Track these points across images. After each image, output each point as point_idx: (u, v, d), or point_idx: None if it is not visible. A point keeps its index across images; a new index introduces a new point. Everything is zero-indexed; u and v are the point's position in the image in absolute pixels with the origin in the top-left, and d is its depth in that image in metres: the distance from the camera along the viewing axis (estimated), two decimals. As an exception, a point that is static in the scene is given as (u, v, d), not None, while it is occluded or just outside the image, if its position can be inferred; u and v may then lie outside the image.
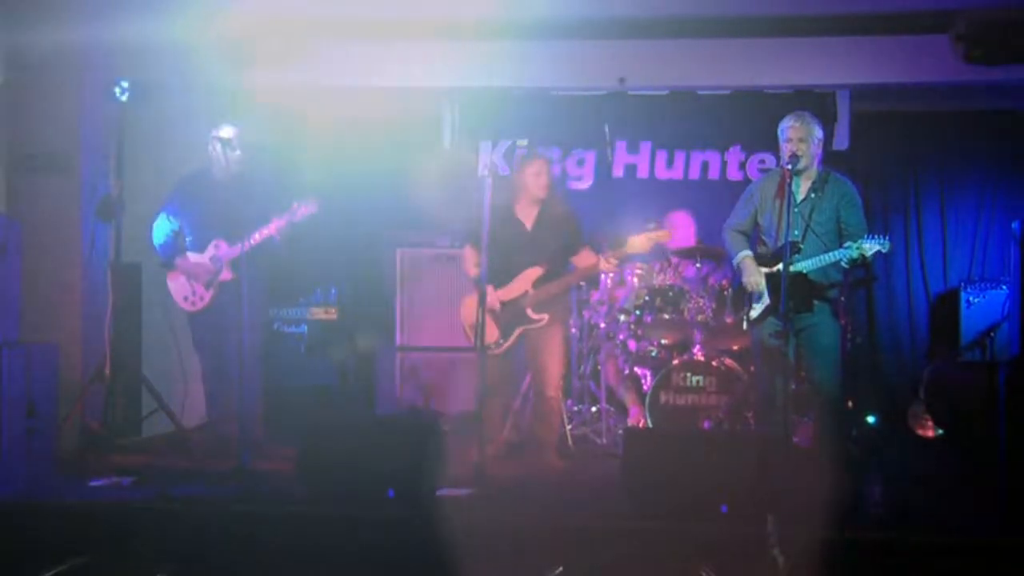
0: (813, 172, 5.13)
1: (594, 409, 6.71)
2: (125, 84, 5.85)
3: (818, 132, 5.13)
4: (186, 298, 5.89)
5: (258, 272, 5.83)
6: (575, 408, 6.71)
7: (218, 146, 5.73)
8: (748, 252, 5.26)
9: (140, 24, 6.99)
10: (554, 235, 5.70)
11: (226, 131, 5.78)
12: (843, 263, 4.93)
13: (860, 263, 4.94)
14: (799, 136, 5.06)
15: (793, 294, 4.77)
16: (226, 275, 5.75)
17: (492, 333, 5.67)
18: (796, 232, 4.92)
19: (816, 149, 5.11)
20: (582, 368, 6.91)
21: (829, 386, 5.13)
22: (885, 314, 7.63)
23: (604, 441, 6.49)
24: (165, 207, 5.95)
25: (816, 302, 5.00)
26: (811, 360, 5.19)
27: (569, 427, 6.44)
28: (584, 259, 5.66)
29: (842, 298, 5.27)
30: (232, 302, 5.64)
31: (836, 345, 5.16)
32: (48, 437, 5.20)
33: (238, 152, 5.71)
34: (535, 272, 5.65)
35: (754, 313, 5.19)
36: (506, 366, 5.84)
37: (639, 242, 5.49)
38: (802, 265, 4.92)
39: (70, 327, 6.31)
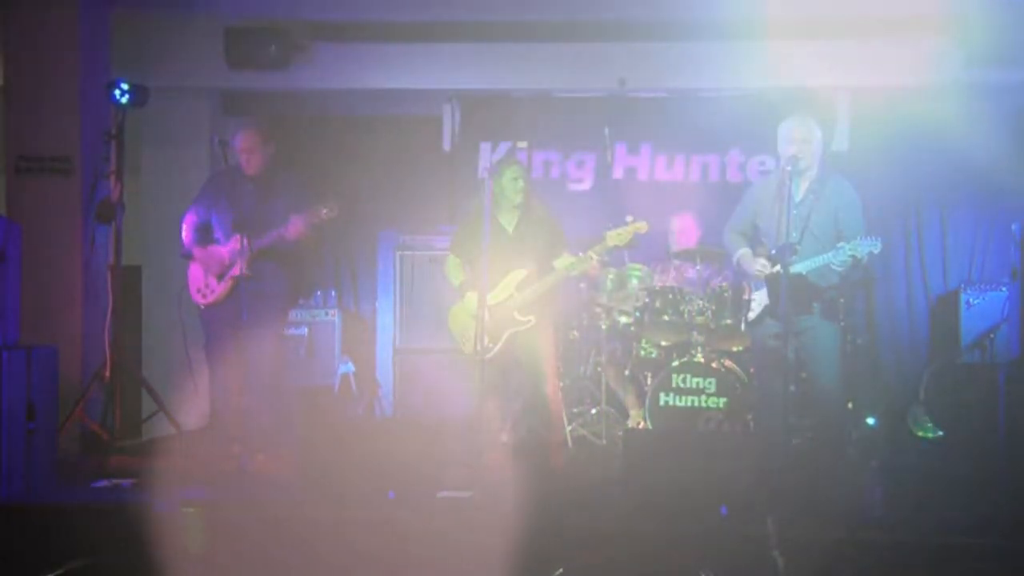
0: (813, 174, 5.13)
1: (594, 411, 6.70)
2: (125, 86, 5.84)
3: (818, 133, 5.13)
4: (199, 290, 5.83)
5: (281, 272, 5.78)
6: (575, 409, 6.70)
7: (223, 149, 5.70)
8: (747, 249, 5.27)
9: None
10: (535, 238, 5.68)
11: (229, 134, 5.78)
12: (834, 265, 4.92)
13: (853, 264, 4.92)
14: (800, 137, 5.05)
15: (792, 296, 4.76)
16: (237, 270, 5.64)
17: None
18: (794, 234, 4.91)
19: (816, 150, 5.11)
20: (582, 369, 6.91)
21: (829, 388, 5.10)
22: (885, 316, 7.62)
23: (604, 442, 6.48)
24: (194, 202, 5.95)
25: (815, 304, 5.00)
26: (811, 362, 5.15)
27: (569, 428, 6.44)
28: (565, 259, 5.65)
29: (841, 300, 5.27)
30: (250, 301, 5.59)
31: (836, 347, 5.14)
32: (48, 439, 5.19)
33: (244, 153, 5.68)
34: (519, 275, 5.63)
35: (752, 315, 5.19)
36: (501, 369, 5.79)
37: (617, 236, 5.47)
38: (800, 267, 4.90)
39: (70, 329, 6.30)
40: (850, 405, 6.25)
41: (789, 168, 4.91)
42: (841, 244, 4.85)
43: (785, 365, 4.76)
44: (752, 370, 6.03)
